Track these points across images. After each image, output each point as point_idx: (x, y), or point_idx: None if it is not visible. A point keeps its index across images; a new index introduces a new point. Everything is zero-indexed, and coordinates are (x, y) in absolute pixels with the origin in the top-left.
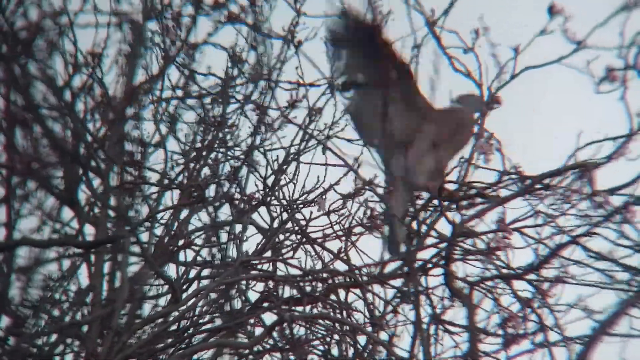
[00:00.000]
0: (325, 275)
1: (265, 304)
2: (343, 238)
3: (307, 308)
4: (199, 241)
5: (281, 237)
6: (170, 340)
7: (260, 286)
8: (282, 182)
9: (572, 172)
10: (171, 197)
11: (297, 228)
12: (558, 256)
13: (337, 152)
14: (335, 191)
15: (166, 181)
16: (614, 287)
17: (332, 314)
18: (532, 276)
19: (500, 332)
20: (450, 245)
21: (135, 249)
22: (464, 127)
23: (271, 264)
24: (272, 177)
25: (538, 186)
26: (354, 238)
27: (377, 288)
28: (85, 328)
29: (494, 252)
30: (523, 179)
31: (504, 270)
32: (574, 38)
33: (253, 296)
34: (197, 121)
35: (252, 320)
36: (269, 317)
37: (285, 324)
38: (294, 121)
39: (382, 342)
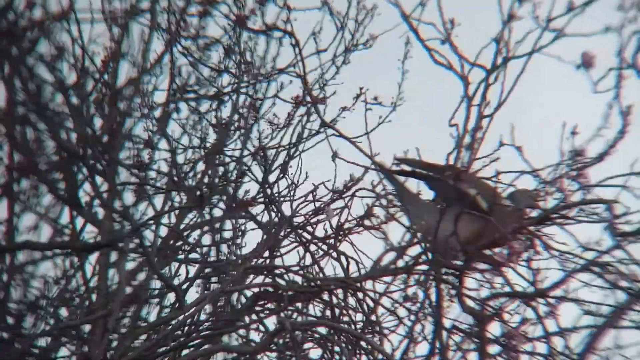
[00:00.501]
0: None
1: (262, 303)
2: (339, 235)
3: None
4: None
5: (281, 236)
6: (172, 344)
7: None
8: (280, 180)
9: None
10: (179, 197)
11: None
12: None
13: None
14: (326, 188)
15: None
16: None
17: (330, 317)
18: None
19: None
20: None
21: (138, 252)
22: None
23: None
24: (271, 175)
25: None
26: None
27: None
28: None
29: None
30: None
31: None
32: (548, 25)
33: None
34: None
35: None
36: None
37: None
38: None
39: (382, 349)
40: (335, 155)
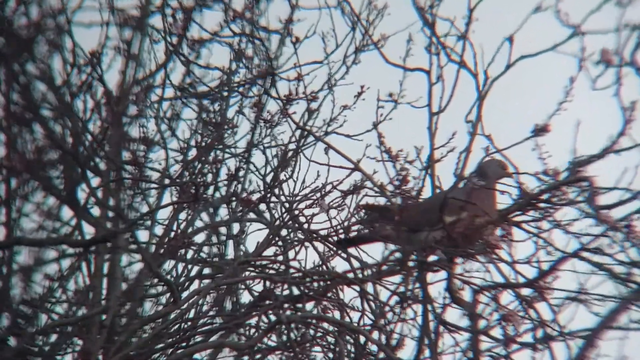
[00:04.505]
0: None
1: (266, 302)
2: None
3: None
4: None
5: (284, 233)
6: (169, 340)
7: (260, 285)
8: (282, 179)
9: (574, 185)
10: (170, 196)
11: (297, 225)
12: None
13: (339, 150)
14: (336, 189)
15: (167, 180)
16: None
17: (330, 313)
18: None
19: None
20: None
21: (134, 248)
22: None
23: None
24: (272, 174)
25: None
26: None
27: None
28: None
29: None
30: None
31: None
32: (566, 21)
33: (251, 295)
34: (196, 119)
35: (252, 321)
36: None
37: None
38: (293, 118)
39: (378, 342)
40: (327, 148)
